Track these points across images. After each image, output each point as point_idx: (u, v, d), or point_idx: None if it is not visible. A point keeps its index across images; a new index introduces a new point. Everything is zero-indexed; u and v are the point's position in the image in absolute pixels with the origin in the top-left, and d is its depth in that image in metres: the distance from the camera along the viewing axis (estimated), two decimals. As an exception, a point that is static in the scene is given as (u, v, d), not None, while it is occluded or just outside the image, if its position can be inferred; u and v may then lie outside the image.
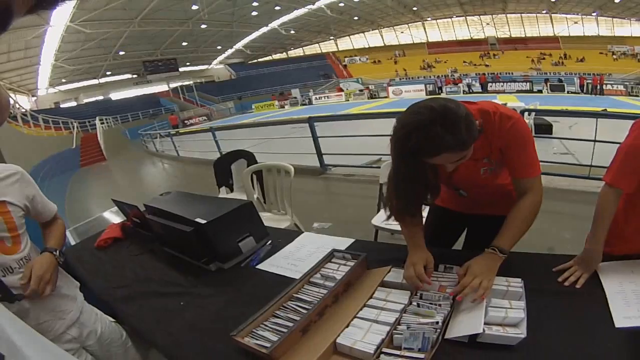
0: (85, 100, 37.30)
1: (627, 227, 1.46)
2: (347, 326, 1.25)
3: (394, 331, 1.19)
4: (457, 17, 47.44)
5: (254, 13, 36.33)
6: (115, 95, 39.29)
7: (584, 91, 26.38)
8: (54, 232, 1.78)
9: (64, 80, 35.48)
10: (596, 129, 4.79)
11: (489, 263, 1.37)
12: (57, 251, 1.64)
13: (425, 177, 1.44)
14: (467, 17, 47.16)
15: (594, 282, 1.34)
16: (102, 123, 21.77)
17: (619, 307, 1.19)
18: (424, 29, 50.28)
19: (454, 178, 1.60)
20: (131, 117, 30.01)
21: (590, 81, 26.65)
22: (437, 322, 1.19)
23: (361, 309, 1.33)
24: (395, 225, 2.86)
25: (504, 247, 1.40)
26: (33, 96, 34.46)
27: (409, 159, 1.33)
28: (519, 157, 1.47)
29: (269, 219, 3.26)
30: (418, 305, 1.29)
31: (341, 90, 36.63)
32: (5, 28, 0.35)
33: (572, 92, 26.64)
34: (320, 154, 6.86)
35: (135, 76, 40.93)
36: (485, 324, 1.14)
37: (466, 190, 1.70)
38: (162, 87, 41.37)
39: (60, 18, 24.74)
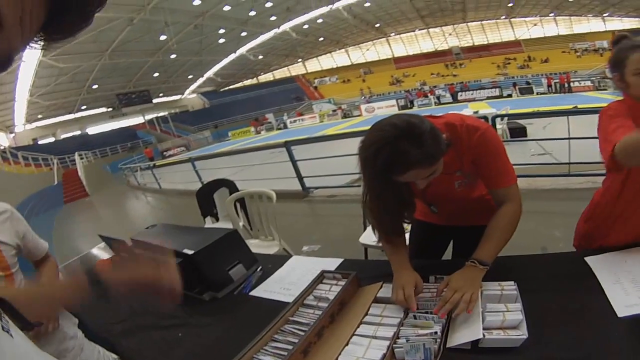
0: (63, 136, 36.76)
1: (618, 217, 1.50)
2: (347, 344, 1.25)
3: (394, 345, 1.18)
4: (419, 30, 48.70)
5: (221, 40, 36.61)
6: (92, 130, 38.83)
7: (553, 91, 27.03)
8: (46, 270, 1.75)
9: (40, 116, 35.02)
10: (569, 126, 4.89)
11: (470, 276, 1.35)
12: None
13: (400, 192, 1.42)
14: (430, 30, 48.47)
15: (588, 276, 1.35)
16: (82, 158, 21.60)
17: (619, 297, 1.20)
18: (389, 44, 51.40)
19: (428, 193, 1.59)
20: (110, 151, 29.77)
21: (557, 80, 27.36)
22: (436, 332, 1.18)
23: (358, 327, 1.32)
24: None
25: (483, 259, 1.38)
26: (11, 133, 33.78)
27: (380, 176, 1.30)
28: (491, 167, 1.46)
29: (257, 245, 3.24)
30: (415, 317, 1.29)
31: (301, 115, 37.05)
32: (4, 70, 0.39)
33: (541, 93, 27.29)
34: (300, 177, 6.87)
35: (110, 109, 40.58)
36: (484, 329, 1.15)
37: (443, 205, 1.68)
38: (137, 120, 40.99)
39: (32, 53, 24.52)
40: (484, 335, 1.12)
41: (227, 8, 30.08)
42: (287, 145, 6.70)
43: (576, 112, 7.71)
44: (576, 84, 26.49)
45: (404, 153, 1.20)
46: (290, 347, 1.23)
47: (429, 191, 1.57)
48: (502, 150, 1.46)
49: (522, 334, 1.13)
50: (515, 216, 1.46)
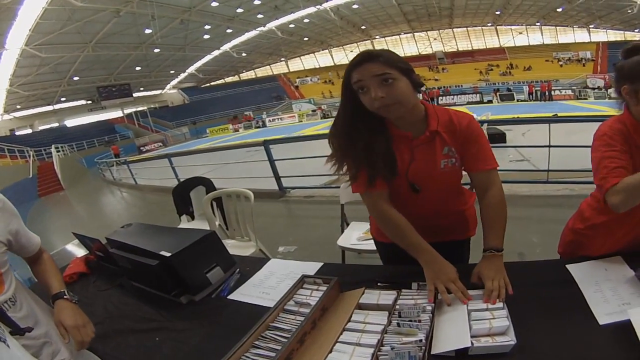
0: (41, 128, 36.17)
1: (604, 228, 1.51)
2: (330, 352, 1.22)
3: (379, 353, 1.16)
4: (405, 33, 49.04)
5: (206, 36, 36.46)
6: (70, 122, 38.24)
7: (533, 98, 27.47)
8: (49, 271, 1.59)
9: (18, 107, 34.44)
10: (549, 133, 4.94)
11: (495, 264, 1.42)
12: (66, 292, 1.50)
13: (372, 124, 1.51)
14: (415, 34, 48.73)
15: (570, 284, 1.37)
16: (58, 151, 21.20)
17: (600, 305, 1.23)
18: (373, 46, 51.45)
19: (411, 169, 1.56)
20: (87, 145, 29.41)
21: (538, 88, 27.85)
22: (421, 340, 1.17)
23: (341, 334, 1.30)
24: (362, 244, 2.82)
25: (497, 246, 1.46)
26: (-12, 123, 33.19)
27: (352, 99, 1.46)
28: (480, 149, 1.56)
29: (233, 246, 3.19)
30: (398, 325, 1.27)
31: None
32: None
33: (521, 100, 27.74)
34: (278, 177, 6.82)
35: (89, 102, 39.99)
36: (472, 336, 1.14)
37: (422, 187, 1.60)
38: (116, 113, 40.49)
39: (15, 41, 24.11)
40: (472, 344, 1.11)
41: (215, 4, 30.01)
42: (266, 144, 6.66)
43: (557, 120, 7.85)
44: (557, 92, 27.03)
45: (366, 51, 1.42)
46: (272, 354, 1.20)
47: (412, 166, 1.55)
48: (486, 137, 1.61)
49: (510, 339, 1.12)
50: (504, 201, 1.55)
